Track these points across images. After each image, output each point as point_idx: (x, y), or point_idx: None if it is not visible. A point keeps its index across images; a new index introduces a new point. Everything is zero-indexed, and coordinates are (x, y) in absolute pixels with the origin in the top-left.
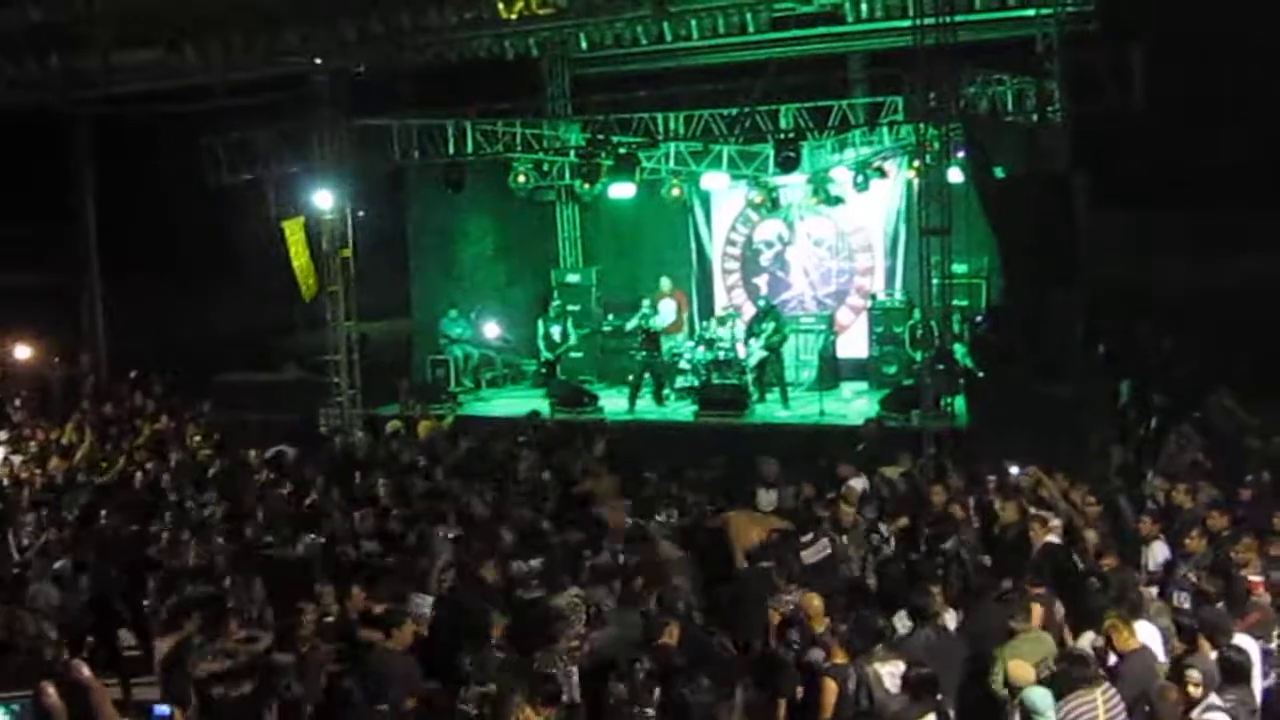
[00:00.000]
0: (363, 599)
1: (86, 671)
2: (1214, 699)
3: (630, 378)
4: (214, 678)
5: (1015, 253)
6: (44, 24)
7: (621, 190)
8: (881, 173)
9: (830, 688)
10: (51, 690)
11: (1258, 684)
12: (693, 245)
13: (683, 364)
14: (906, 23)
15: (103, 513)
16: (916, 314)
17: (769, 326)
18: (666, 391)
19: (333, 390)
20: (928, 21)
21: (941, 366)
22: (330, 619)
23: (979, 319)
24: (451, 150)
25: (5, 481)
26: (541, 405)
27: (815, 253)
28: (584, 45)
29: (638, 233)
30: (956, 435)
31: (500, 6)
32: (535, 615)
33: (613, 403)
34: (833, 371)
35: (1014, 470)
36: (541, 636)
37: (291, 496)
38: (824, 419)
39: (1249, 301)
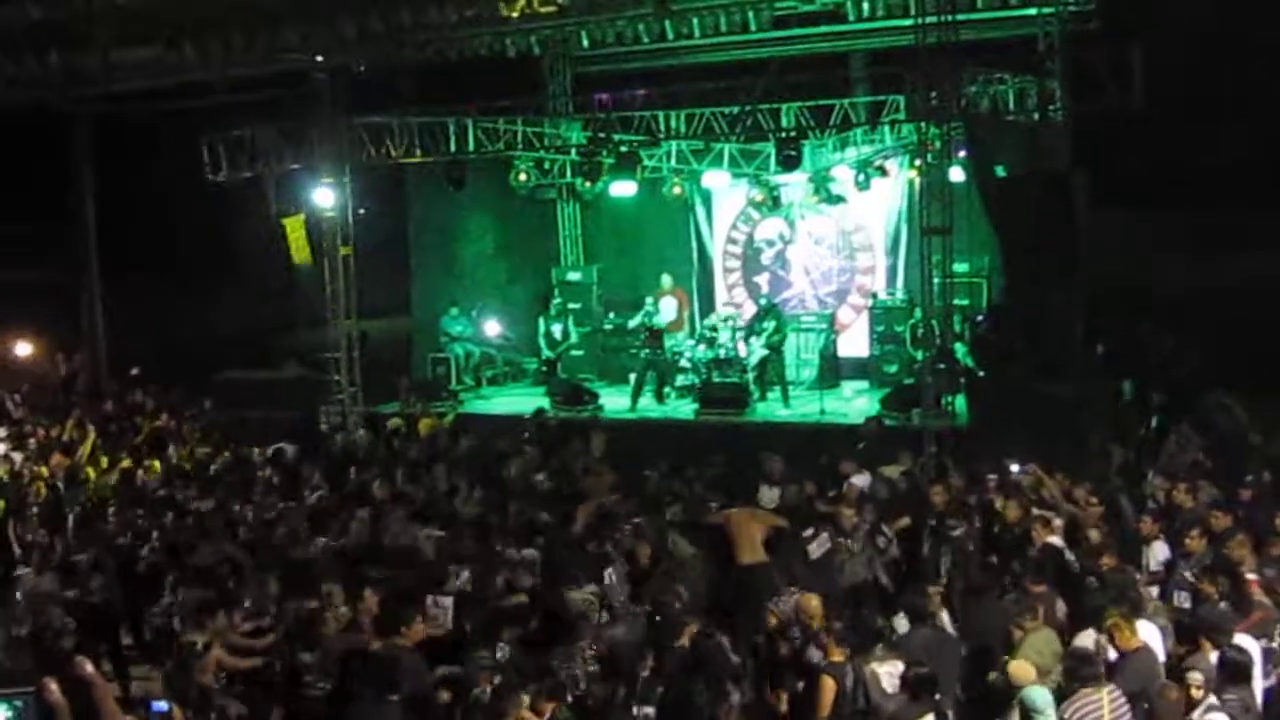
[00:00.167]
0: (376, 601)
1: (89, 667)
2: (1214, 700)
3: (632, 376)
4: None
5: (1016, 252)
6: (44, 21)
7: (623, 188)
8: (883, 171)
9: (828, 685)
10: (54, 686)
11: (1259, 684)
12: (694, 244)
13: (683, 362)
14: (908, 21)
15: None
16: (917, 313)
17: (770, 325)
18: (667, 390)
19: (333, 388)
20: (929, 20)
21: (942, 365)
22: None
23: (980, 318)
24: (452, 148)
25: (6, 478)
26: (542, 403)
27: (816, 251)
28: (585, 43)
29: (639, 231)
30: (957, 434)
31: (501, 4)
32: (557, 612)
33: (613, 401)
34: (833, 370)
35: (1014, 469)
36: (563, 634)
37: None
38: (824, 418)
39: (1249, 300)
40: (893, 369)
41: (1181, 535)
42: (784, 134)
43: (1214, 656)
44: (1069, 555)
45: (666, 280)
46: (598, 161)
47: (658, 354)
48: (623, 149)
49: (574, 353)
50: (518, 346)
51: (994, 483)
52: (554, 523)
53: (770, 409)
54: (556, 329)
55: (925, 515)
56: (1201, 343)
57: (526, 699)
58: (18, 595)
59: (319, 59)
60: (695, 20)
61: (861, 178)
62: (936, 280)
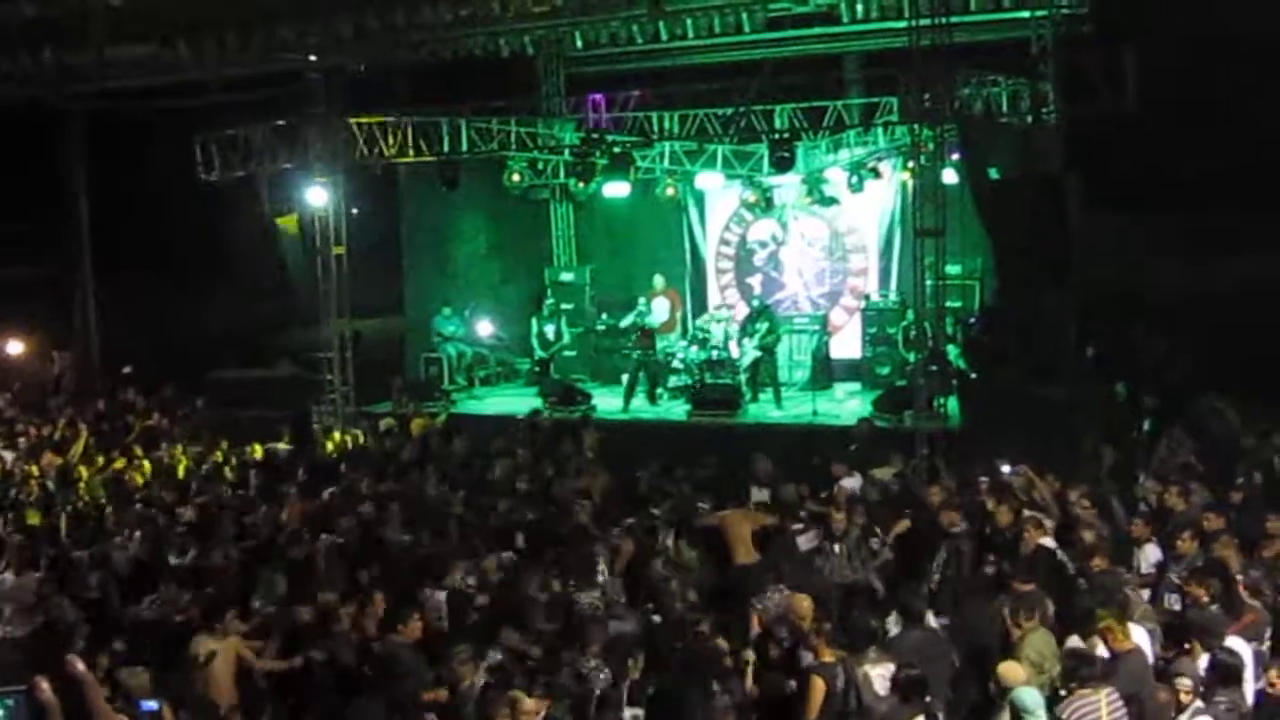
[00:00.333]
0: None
1: (81, 666)
2: (1201, 704)
3: (625, 376)
4: None
5: (1009, 254)
6: (38, 19)
7: (616, 189)
8: (876, 173)
9: (818, 686)
10: (45, 685)
11: (1249, 686)
12: (687, 245)
13: (676, 363)
14: (902, 23)
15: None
16: (910, 315)
17: (762, 326)
18: (660, 391)
19: (326, 387)
20: (923, 22)
21: (934, 367)
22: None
23: (972, 320)
24: (446, 148)
25: None
26: (534, 404)
27: (809, 253)
28: (579, 44)
29: (632, 232)
30: (949, 436)
31: (495, 5)
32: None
33: (606, 402)
34: (826, 372)
35: (1005, 470)
36: (575, 636)
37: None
38: (817, 419)
39: (1242, 304)
40: (885, 371)
41: (1173, 537)
42: (777, 135)
43: (1204, 659)
44: (1061, 556)
45: (659, 281)
46: (591, 162)
47: (649, 355)
48: (616, 150)
49: (566, 353)
50: (510, 347)
51: (985, 485)
52: (548, 523)
53: (762, 410)
54: (549, 329)
55: (921, 516)
56: (1194, 346)
57: (524, 698)
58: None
59: (313, 58)
60: (689, 21)
61: (855, 179)
62: (929, 282)
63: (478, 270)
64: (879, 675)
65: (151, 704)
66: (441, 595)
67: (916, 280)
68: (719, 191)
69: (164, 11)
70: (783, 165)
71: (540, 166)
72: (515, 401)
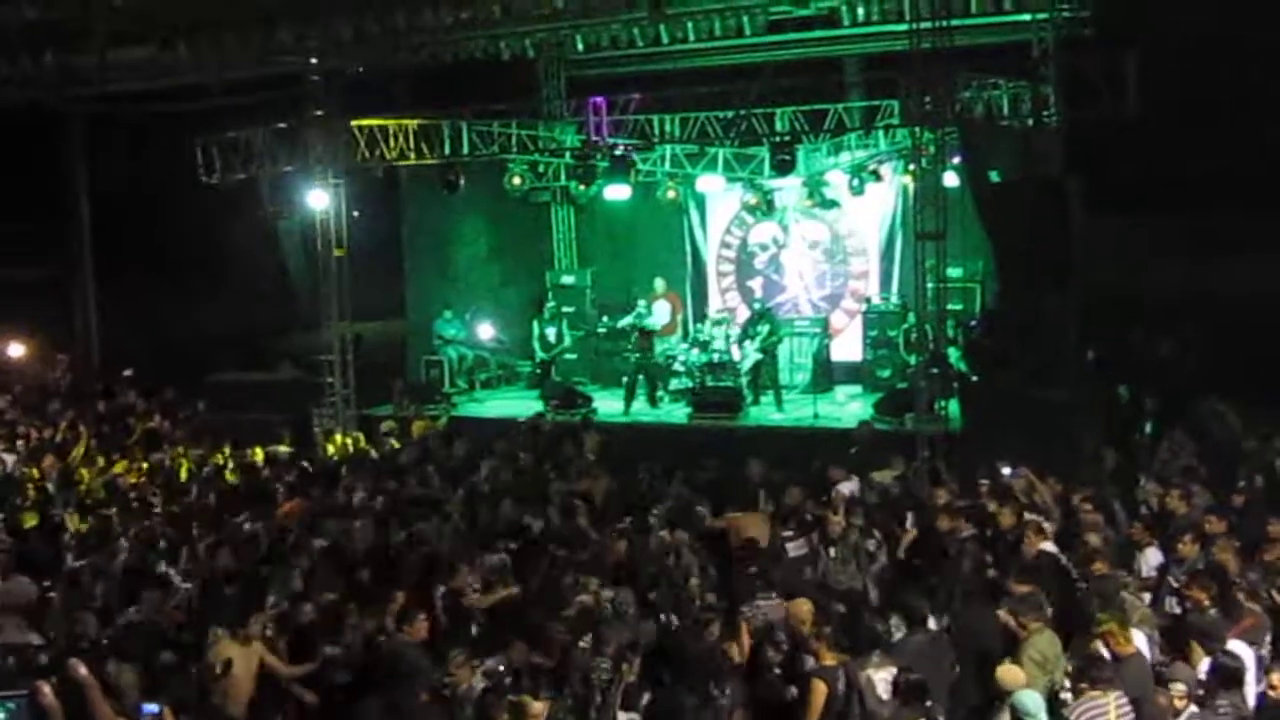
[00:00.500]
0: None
1: (83, 670)
2: (1195, 709)
3: (624, 379)
4: None
5: (1010, 257)
6: (39, 21)
7: (617, 192)
8: (877, 176)
9: (819, 689)
10: (47, 689)
11: (1251, 689)
12: (687, 248)
13: (677, 366)
14: (903, 26)
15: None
16: (911, 318)
17: (763, 329)
18: (660, 394)
19: (327, 390)
20: (924, 25)
21: (935, 370)
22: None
23: (973, 323)
24: (447, 151)
25: None
26: (535, 407)
27: (810, 256)
28: (580, 47)
29: (633, 235)
30: (950, 439)
31: (495, 8)
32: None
33: (607, 404)
34: (827, 375)
35: (1005, 471)
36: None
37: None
38: (818, 422)
39: (1244, 307)
40: (886, 374)
41: (1174, 541)
42: (778, 138)
43: (1205, 663)
44: (1063, 560)
45: (660, 284)
46: (592, 165)
47: (647, 357)
48: (617, 153)
49: (568, 356)
50: (511, 350)
51: (987, 488)
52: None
53: (763, 413)
54: (551, 332)
55: (924, 520)
56: (1196, 349)
57: (530, 702)
58: None
59: (313, 61)
60: (690, 24)
61: (855, 182)
62: (930, 285)
63: (479, 273)
64: (882, 679)
65: (152, 707)
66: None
67: (917, 283)
68: (720, 194)
69: (164, 14)
70: (784, 168)
71: (541, 169)
72: (516, 404)
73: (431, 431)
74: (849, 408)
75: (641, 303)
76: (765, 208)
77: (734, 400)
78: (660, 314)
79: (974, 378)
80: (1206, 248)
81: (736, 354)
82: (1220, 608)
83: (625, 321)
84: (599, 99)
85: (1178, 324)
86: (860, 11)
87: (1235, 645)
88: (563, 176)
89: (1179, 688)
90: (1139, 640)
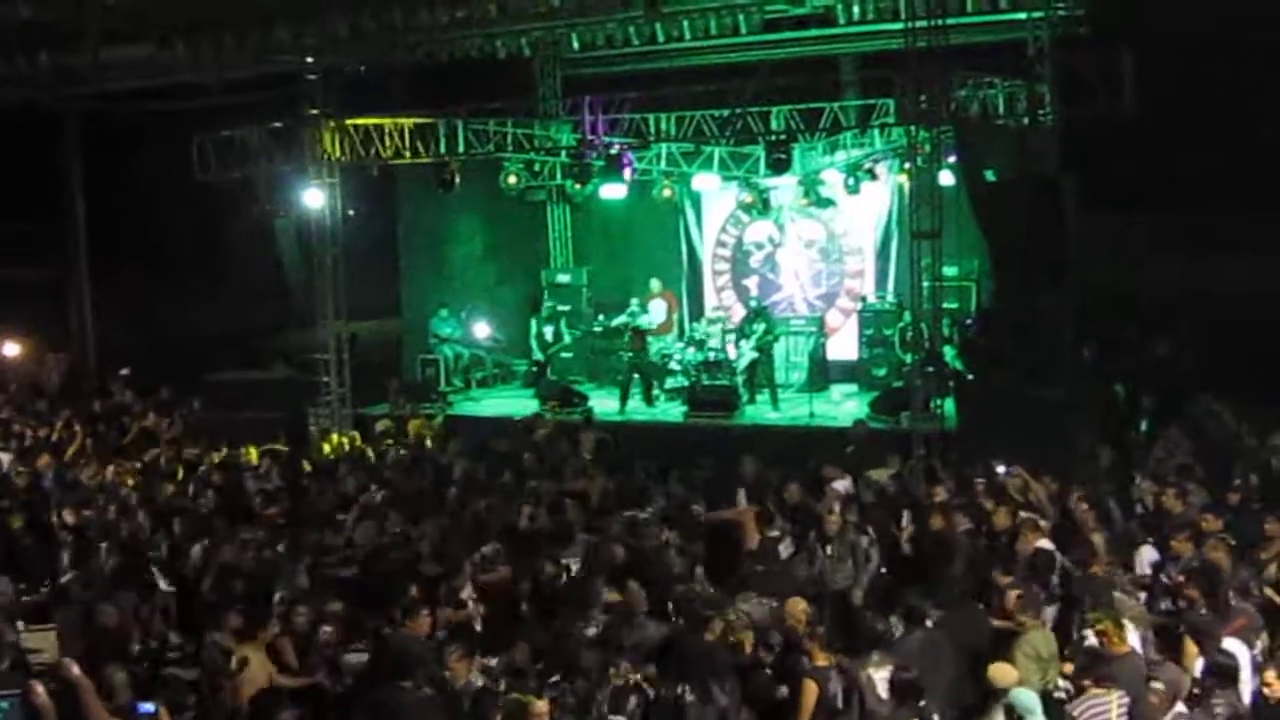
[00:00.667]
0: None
1: (76, 670)
2: (1181, 708)
3: (620, 378)
4: None
5: (1005, 256)
6: (34, 20)
7: (612, 191)
8: (872, 175)
9: (810, 689)
10: (41, 689)
11: (1246, 688)
12: (683, 246)
13: (673, 365)
14: (898, 25)
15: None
16: (906, 316)
17: (759, 328)
18: (656, 392)
19: (322, 389)
20: (919, 24)
21: (931, 369)
22: None
23: (969, 322)
24: (443, 149)
25: None
26: (531, 406)
27: (806, 255)
28: (576, 45)
29: (628, 233)
30: (946, 438)
31: (491, 7)
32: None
33: (603, 403)
34: (822, 373)
35: (1000, 469)
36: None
37: None
38: (814, 421)
39: (1240, 305)
40: (881, 372)
41: (1169, 539)
42: (774, 137)
43: (1199, 663)
44: (1059, 558)
45: (655, 283)
46: (587, 164)
47: (641, 356)
48: (612, 151)
49: (564, 355)
50: (507, 348)
51: (983, 486)
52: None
53: (759, 412)
54: (548, 331)
55: (920, 518)
56: (1192, 347)
57: (534, 701)
58: None
59: (309, 60)
60: (685, 23)
61: (851, 181)
62: (925, 284)
63: (474, 272)
64: (881, 678)
65: (148, 706)
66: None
67: (913, 282)
68: (715, 193)
69: (160, 13)
70: (779, 167)
71: (537, 168)
72: (512, 403)
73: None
74: (845, 406)
75: (635, 302)
76: (761, 206)
77: (730, 399)
78: (656, 313)
79: (969, 376)
80: (1202, 246)
81: (732, 353)
82: (1211, 607)
83: (618, 321)
84: (593, 99)
85: (1174, 323)
86: (855, 10)
87: (1230, 644)
88: (558, 175)
89: (1156, 686)
90: (1132, 638)
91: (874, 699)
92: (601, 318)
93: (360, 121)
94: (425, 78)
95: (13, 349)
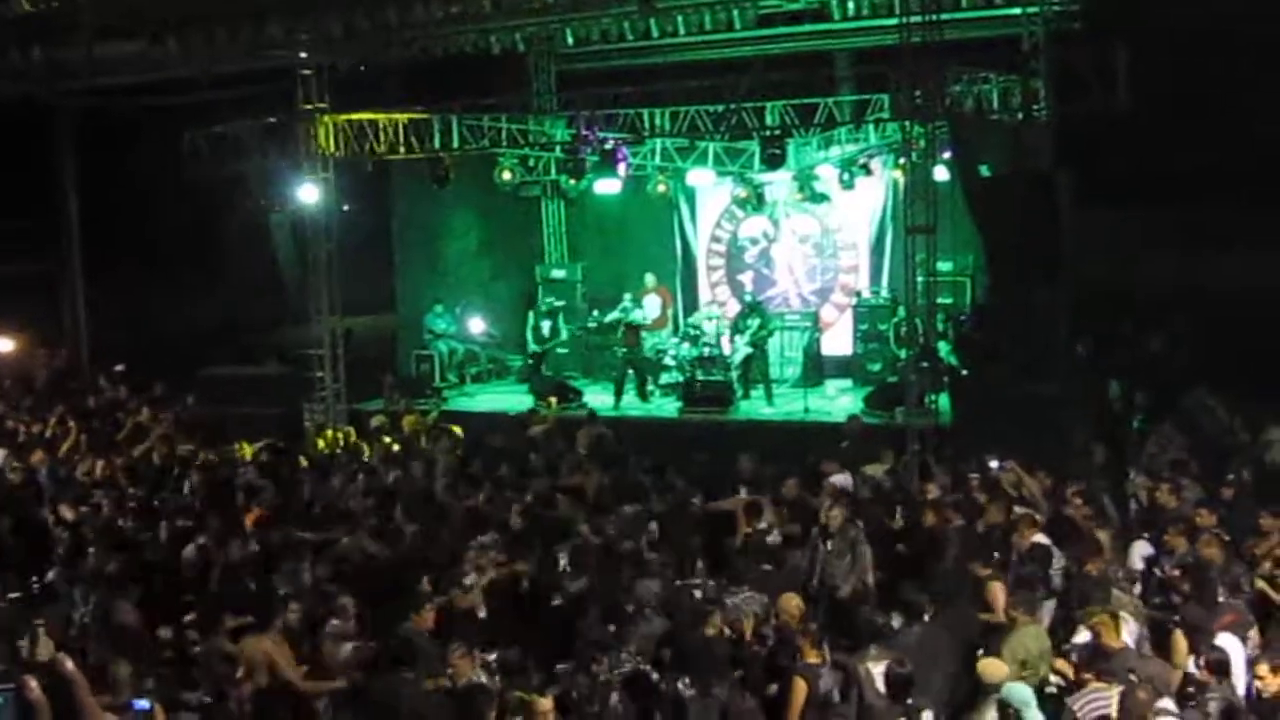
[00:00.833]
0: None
1: (70, 665)
2: (1166, 704)
3: (614, 374)
4: None
5: (1000, 251)
6: (28, 15)
7: (607, 186)
8: (867, 170)
9: (800, 687)
10: (34, 684)
11: (1240, 682)
12: (678, 241)
13: (667, 360)
14: (893, 20)
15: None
16: (901, 311)
17: (754, 323)
18: (651, 388)
19: (317, 385)
20: (914, 19)
21: (926, 364)
22: None
23: (963, 317)
24: (437, 145)
25: None
26: (526, 401)
27: (800, 250)
28: (570, 41)
29: (623, 229)
30: (940, 433)
31: (486, 2)
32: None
33: (598, 399)
34: (817, 369)
35: (993, 465)
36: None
37: None
38: (808, 416)
39: (1235, 301)
40: (876, 367)
41: (1163, 534)
42: (768, 132)
43: (1189, 659)
44: (1055, 553)
45: (650, 278)
46: (582, 159)
47: (635, 352)
48: (607, 146)
49: (559, 350)
50: (501, 344)
51: (977, 481)
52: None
53: (754, 407)
54: (546, 325)
55: (914, 513)
56: (1186, 343)
57: (537, 699)
58: None
59: (303, 55)
60: (680, 18)
61: (846, 176)
62: (920, 279)
63: (469, 267)
64: (879, 672)
65: (143, 703)
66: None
67: (907, 277)
68: (710, 188)
69: (154, 8)
70: (774, 162)
71: (531, 163)
72: (507, 398)
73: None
74: (839, 401)
75: (627, 297)
76: (755, 202)
77: (724, 394)
78: (651, 308)
79: (964, 372)
80: (1197, 242)
81: (727, 348)
82: (1200, 602)
83: (611, 316)
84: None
85: (1168, 318)
86: (850, 5)
87: (1223, 638)
88: (553, 170)
89: (1142, 680)
90: (1128, 633)
91: (872, 693)
92: (596, 313)
93: (355, 117)
94: (420, 73)
95: (6, 344)
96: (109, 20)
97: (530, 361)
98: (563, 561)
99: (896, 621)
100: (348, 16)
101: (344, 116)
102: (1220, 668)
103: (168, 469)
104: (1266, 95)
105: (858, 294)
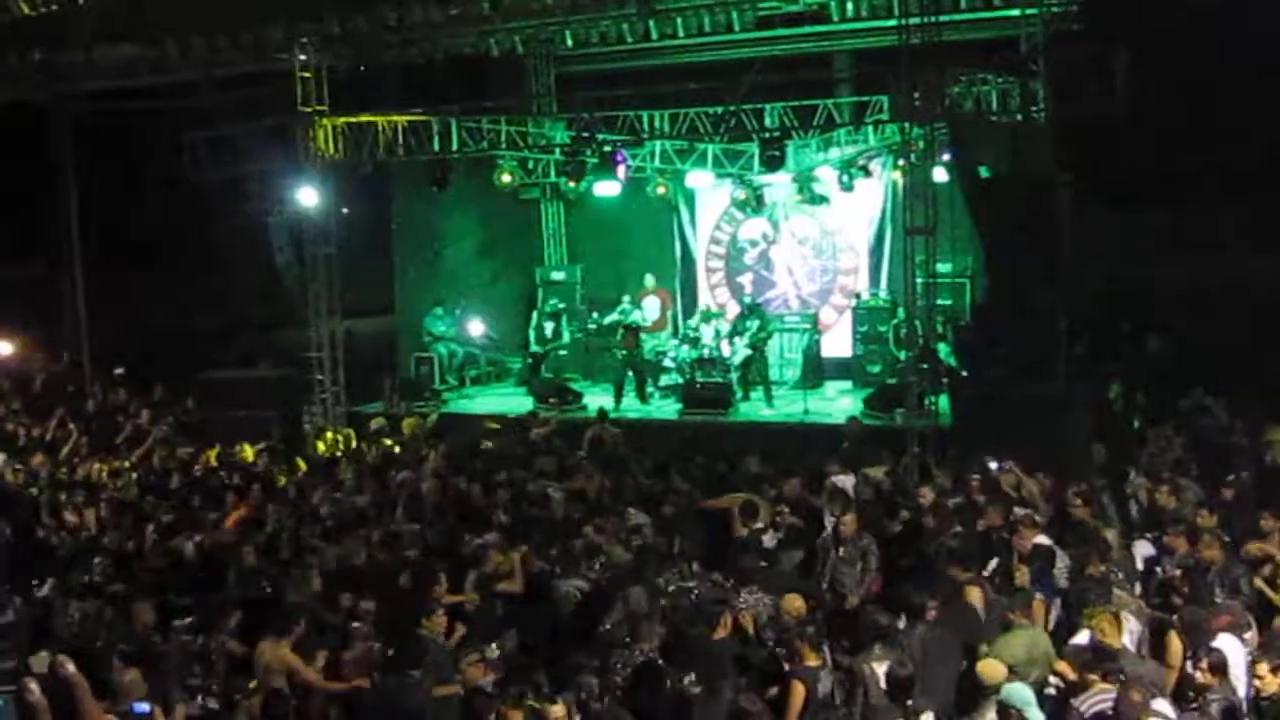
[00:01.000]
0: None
1: (71, 667)
2: (1161, 705)
3: (614, 376)
4: None
5: (999, 252)
6: (27, 19)
7: (606, 188)
8: (866, 172)
9: (798, 690)
10: (35, 686)
11: (1240, 684)
12: (677, 243)
13: (667, 362)
14: (892, 22)
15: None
16: (900, 313)
17: (753, 325)
18: (650, 390)
19: (316, 387)
20: (913, 21)
21: (925, 365)
22: None
23: (963, 319)
24: (436, 147)
25: None
26: (526, 404)
27: (800, 251)
28: (569, 43)
29: (622, 231)
30: (940, 434)
31: (485, 4)
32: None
33: (597, 401)
34: (816, 370)
35: (992, 466)
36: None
37: None
38: (808, 418)
39: (1234, 301)
40: (876, 369)
41: (1164, 534)
42: (768, 134)
43: (1186, 661)
44: (1057, 553)
45: (649, 280)
46: (581, 161)
47: (634, 354)
48: (606, 148)
49: (560, 353)
50: (501, 346)
51: (978, 482)
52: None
53: (754, 409)
54: (549, 326)
55: (915, 515)
56: (1185, 344)
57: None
58: None
59: (303, 58)
60: (679, 20)
61: (845, 178)
62: (919, 280)
63: (468, 269)
64: (883, 672)
65: (143, 706)
66: None
67: (907, 278)
68: (709, 190)
69: (152, 11)
70: (773, 164)
71: (530, 166)
72: (506, 401)
73: (422, 428)
74: (839, 403)
75: (627, 299)
76: (755, 203)
77: (724, 396)
78: (650, 310)
79: (964, 373)
80: (1196, 243)
81: (726, 350)
82: (1197, 603)
83: (610, 318)
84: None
85: (1167, 319)
86: (849, 7)
87: (1222, 639)
88: (552, 173)
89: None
90: (1128, 634)
91: (877, 693)
92: (595, 315)
93: (354, 119)
94: (419, 75)
95: (5, 347)
96: (108, 23)
97: (529, 363)
98: (569, 561)
99: (901, 622)
100: (347, 19)
101: (343, 119)
102: (1219, 668)
103: (167, 471)
104: (1264, 97)
105: (857, 295)
